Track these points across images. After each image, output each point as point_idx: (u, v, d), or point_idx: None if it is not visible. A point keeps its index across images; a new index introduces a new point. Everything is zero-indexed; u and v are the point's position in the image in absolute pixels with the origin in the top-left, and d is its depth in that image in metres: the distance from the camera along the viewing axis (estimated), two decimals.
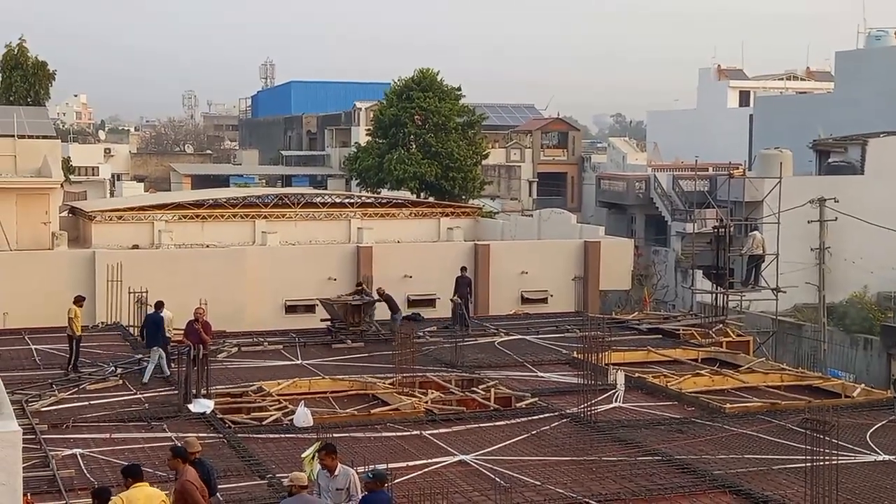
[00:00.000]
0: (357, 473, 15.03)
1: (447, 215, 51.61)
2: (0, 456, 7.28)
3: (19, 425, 20.51)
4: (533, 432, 21.72)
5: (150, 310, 27.81)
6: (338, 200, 52.39)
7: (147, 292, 31.70)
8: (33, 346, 30.13)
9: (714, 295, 36.80)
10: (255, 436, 21.11)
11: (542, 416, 22.99)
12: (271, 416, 22.51)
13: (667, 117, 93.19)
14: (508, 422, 22.53)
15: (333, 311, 32.78)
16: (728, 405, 23.92)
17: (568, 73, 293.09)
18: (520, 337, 32.86)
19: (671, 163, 76.33)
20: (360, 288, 33.54)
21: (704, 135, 79.62)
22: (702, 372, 27.59)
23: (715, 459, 19.92)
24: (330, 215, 49.42)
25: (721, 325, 33.80)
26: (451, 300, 33.76)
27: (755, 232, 39.84)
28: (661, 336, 33.27)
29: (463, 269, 35.65)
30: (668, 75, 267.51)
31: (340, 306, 32.52)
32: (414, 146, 64.29)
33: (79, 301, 27.59)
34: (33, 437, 20.33)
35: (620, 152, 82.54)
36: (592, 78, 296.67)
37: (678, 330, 33.63)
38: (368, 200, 53.42)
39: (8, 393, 23.07)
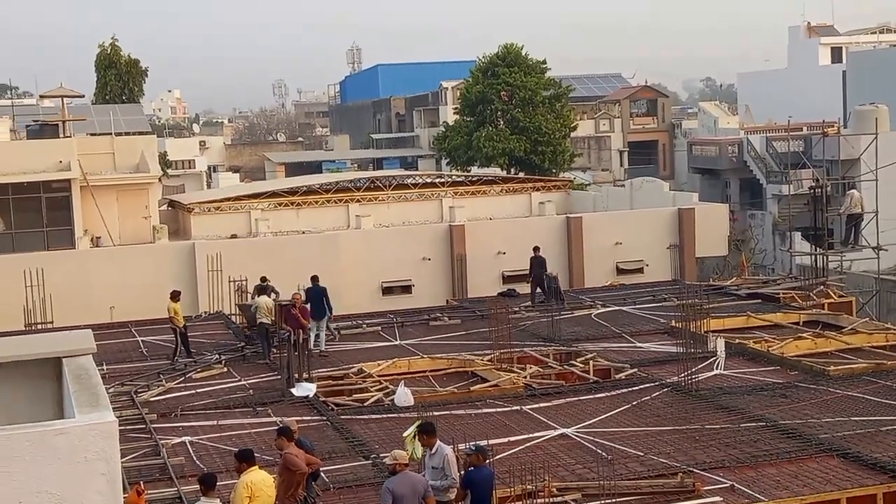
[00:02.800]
0: (456, 451, 15.18)
1: (538, 190, 51.55)
2: (99, 447, 7.54)
3: (130, 415, 21.30)
4: (633, 403, 21.67)
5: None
6: (428, 180, 52.64)
7: (246, 280, 32.28)
8: (140, 338, 30.89)
9: (813, 256, 36.19)
10: (357, 417, 21.41)
11: (642, 386, 22.92)
12: (372, 396, 22.81)
13: (758, 78, 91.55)
14: (608, 393, 22.51)
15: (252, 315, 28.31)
16: (832, 368, 23.57)
17: (656, 47, 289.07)
18: (616, 308, 32.73)
19: (764, 125, 75.07)
20: (264, 285, 29.35)
21: (797, 94, 78.10)
22: (804, 335, 27.22)
23: (820, 423, 19.66)
24: (421, 196, 49.73)
25: (822, 287, 33.23)
26: (546, 274, 33.68)
27: (853, 190, 38.94)
28: (760, 301, 32.84)
29: (536, 248, 34.37)
30: (757, 39, 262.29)
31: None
32: (502, 122, 64.25)
33: (175, 296, 28.11)
34: (143, 426, 20.94)
35: (711, 117, 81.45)
36: (680, 49, 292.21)
37: (778, 294, 33.15)
38: (459, 179, 53.59)
39: (117, 384, 23.95)
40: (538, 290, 33.54)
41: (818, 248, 36.28)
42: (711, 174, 69.53)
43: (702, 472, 17.07)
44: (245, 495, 13.48)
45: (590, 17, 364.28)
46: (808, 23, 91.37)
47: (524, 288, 35.69)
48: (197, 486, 14.41)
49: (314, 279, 28.95)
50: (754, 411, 20.54)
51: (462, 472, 14.74)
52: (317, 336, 27.75)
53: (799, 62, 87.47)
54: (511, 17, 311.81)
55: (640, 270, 42.25)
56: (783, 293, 33.12)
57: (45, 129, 48.12)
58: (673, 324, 28.28)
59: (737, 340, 26.57)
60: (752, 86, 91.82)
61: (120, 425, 19.22)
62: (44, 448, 7.52)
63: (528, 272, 34.40)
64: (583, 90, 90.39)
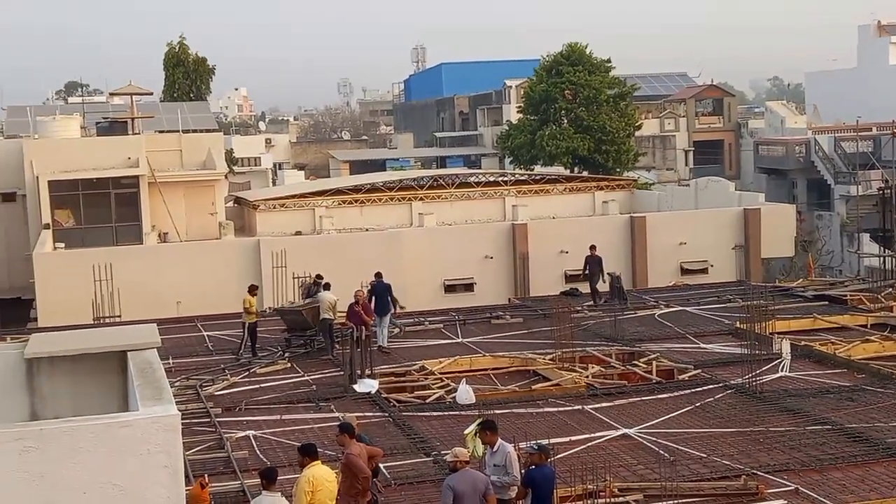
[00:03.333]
0: (517, 449, 15.16)
1: (602, 189, 51.32)
2: (161, 439, 7.64)
3: (195, 409, 21.55)
4: (697, 404, 21.48)
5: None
6: (492, 179, 52.63)
7: (310, 277, 32.47)
8: (205, 333, 31.23)
9: (882, 258, 35.61)
10: (418, 414, 21.46)
11: (705, 387, 22.71)
12: (434, 394, 22.85)
13: (826, 78, 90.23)
14: (671, 394, 22.34)
15: (294, 318, 28.45)
16: None
17: (723, 45, 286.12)
18: (680, 308, 32.47)
19: (832, 124, 74.02)
20: (317, 280, 29.57)
21: (866, 94, 76.83)
22: (871, 338, 26.80)
23: (888, 427, 19.34)
24: (485, 194, 49.72)
25: (890, 290, 32.72)
26: (609, 274, 33.51)
27: None
28: (827, 303, 32.40)
29: (592, 247, 33.88)
30: (826, 39, 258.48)
31: (308, 311, 28.00)
32: (565, 121, 64.02)
33: (252, 290, 28.36)
34: (208, 420, 21.17)
35: (778, 116, 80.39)
36: (748, 48, 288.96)
37: (845, 296, 32.69)
38: (522, 177, 53.49)
39: (183, 378, 24.23)
40: (597, 288, 33.41)
41: (887, 250, 35.69)
42: (778, 174, 68.71)
43: (765, 475, 16.89)
44: (307, 490, 13.57)
45: (655, 16, 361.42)
46: (879, 21, 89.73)
47: (587, 287, 35.46)
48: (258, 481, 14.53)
49: (378, 275, 29.15)
50: (820, 414, 20.28)
51: (523, 471, 14.72)
52: (381, 330, 28.07)
53: (869, 61, 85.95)
54: (576, 17, 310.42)
55: (705, 271, 41.90)
56: (850, 295, 32.65)
57: (114, 127, 48.82)
58: (738, 325, 28.00)
59: (803, 342, 26.24)
60: (821, 85, 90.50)
61: (185, 419, 19.53)
62: (108, 440, 7.64)
63: (583, 271, 34.04)
64: (648, 89, 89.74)
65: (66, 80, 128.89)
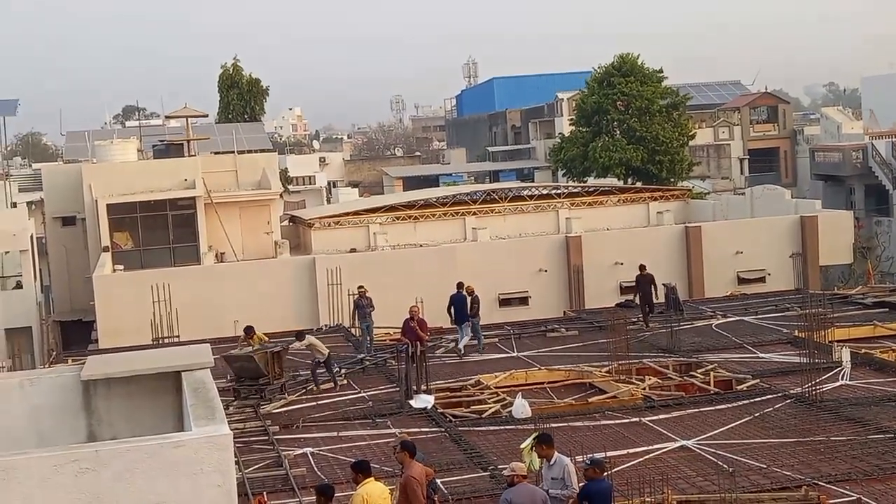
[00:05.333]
0: (574, 463, 15.10)
1: (656, 199, 51.03)
2: (214, 459, 7.71)
3: (253, 427, 21.71)
4: (756, 414, 21.27)
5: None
6: (545, 192, 52.52)
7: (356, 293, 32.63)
8: None
9: None
10: (475, 428, 21.44)
11: (764, 397, 22.47)
12: (490, 408, 22.82)
13: (883, 82, 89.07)
14: (730, 405, 22.12)
15: (243, 365, 24.94)
16: None
17: (778, 50, 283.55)
18: (737, 318, 32.18)
19: (889, 129, 73.00)
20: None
21: None
22: None
23: None
24: (538, 207, 49.64)
25: None
26: (664, 284, 33.23)
27: None
28: (887, 309, 31.94)
29: (642, 267, 32.47)
30: (884, 44, 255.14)
31: (260, 357, 24.93)
32: (618, 132, 63.74)
33: (249, 332, 26.66)
34: (266, 437, 21.31)
35: (834, 122, 79.44)
36: (803, 52, 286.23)
37: None
38: (575, 190, 53.35)
39: (243, 398, 24.39)
40: (648, 310, 31.95)
41: None
42: (835, 181, 67.88)
43: (827, 486, 16.68)
44: None
45: (708, 24, 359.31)
46: None
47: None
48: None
49: (459, 286, 30.09)
50: (882, 423, 19.98)
51: (580, 485, 14.65)
52: (462, 341, 29.27)
53: None
54: (628, 27, 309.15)
55: (762, 280, 41.50)
56: None
57: (170, 149, 49.45)
58: (796, 334, 27.68)
59: (863, 350, 25.89)
60: (877, 90, 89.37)
61: (243, 437, 19.64)
62: (161, 460, 7.74)
63: (635, 292, 32.81)
64: (701, 98, 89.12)
65: (124, 104, 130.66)
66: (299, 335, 26.36)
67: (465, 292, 29.73)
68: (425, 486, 14.69)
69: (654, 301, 31.99)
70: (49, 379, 10.71)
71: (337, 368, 27.73)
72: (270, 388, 24.66)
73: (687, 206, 51.75)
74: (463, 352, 29.07)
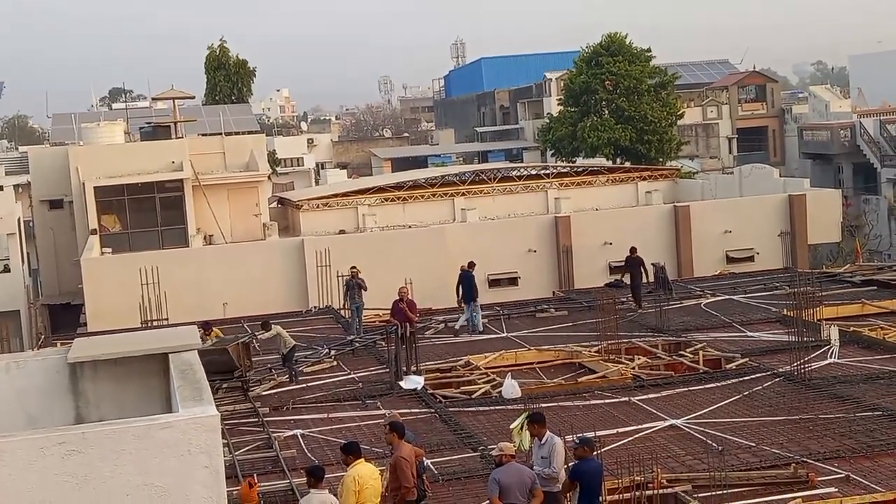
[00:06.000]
0: (564, 442, 15.10)
1: (644, 179, 51.02)
2: (202, 440, 7.69)
3: (243, 409, 21.68)
4: (745, 393, 21.33)
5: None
6: (534, 172, 52.44)
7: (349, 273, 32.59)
8: (252, 334, 31.30)
9: None
10: (465, 409, 21.47)
11: (753, 376, 22.54)
12: (480, 389, 22.86)
13: (871, 61, 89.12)
14: (719, 384, 22.19)
15: (215, 360, 22.74)
16: None
17: (765, 32, 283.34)
18: (726, 297, 32.24)
19: (877, 107, 73.07)
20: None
21: None
22: None
23: None
24: (527, 188, 49.58)
25: None
26: (653, 264, 33.22)
27: None
28: (876, 287, 32.05)
29: (632, 249, 32.08)
30: (870, 20, 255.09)
31: (233, 349, 23.67)
32: (606, 112, 63.70)
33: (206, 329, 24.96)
34: (256, 419, 21.30)
35: (822, 101, 79.52)
36: (790, 33, 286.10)
37: (894, 280, 32.30)
38: (564, 170, 53.28)
39: (231, 379, 24.33)
40: (639, 293, 31.81)
41: None
42: (823, 159, 67.98)
43: (816, 463, 16.74)
44: (353, 489, 13.60)
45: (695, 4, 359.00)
46: None
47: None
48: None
49: (470, 265, 30.57)
50: (870, 400, 20.07)
51: (569, 465, 14.66)
52: (473, 317, 29.64)
53: None
54: (614, 9, 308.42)
55: (751, 259, 41.54)
56: None
57: (157, 131, 49.22)
58: (785, 312, 27.75)
59: (851, 328, 25.99)
60: (865, 68, 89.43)
61: (233, 419, 19.60)
62: (149, 441, 7.71)
63: (622, 272, 32.98)
64: (689, 77, 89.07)
65: (110, 87, 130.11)
66: (265, 325, 25.50)
67: (473, 272, 30.25)
68: (415, 466, 14.71)
69: (643, 282, 31.86)
70: (36, 361, 10.67)
71: (326, 350, 27.76)
72: (245, 380, 23.56)
73: (675, 186, 51.74)
74: (480, 328, 29.53)
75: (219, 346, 23.75)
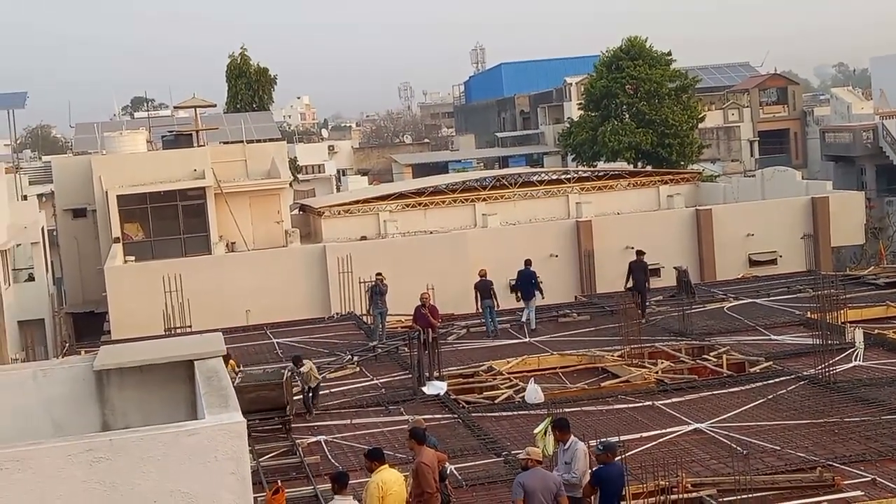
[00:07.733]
0: (587, 446, 15.07)
1: (666, 183, 50.90)
2: (228, 446, 7.73)
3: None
4: (769, 397, 21.24)
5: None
6: (554, 177, 52.44)
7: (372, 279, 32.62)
8: (275, 340, 31.45)
9: None
10: (488, 414, 21.44)
11: (777, 379, 22.44)
12: (503, 394, 22.82)
13: (893, 62, 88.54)
14: (743, 387, 22.10)
15: (263, 396, 20.63)
16: None
17: (788, 34, 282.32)
18: (750, 300, 32.12)
19: None
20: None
21: None
22: None
23: None
24: (548, 192, 49.56)
25: None
26: (676, 267, 33.12)
27: None
28: None
29: (639, 252, 30.80)
30: (892, 20, 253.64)
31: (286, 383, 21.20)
32: (627, 116, 63.58)
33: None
34: (280, 426, 21.28)
35: (844, 103, 79.13)
36: (813, 36, 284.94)
37: None
38: (585, 174, 53.20)
39: (273, 418, 24.24)
40: (646, 298, 30.63)
41: None
42: (846, 161, 67.69)
43: (841, 466, 16.64)
44: (377, 495, 13.60)
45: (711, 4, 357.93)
46: None
47: (653, 282, 35.04)
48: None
49: (527, 262, 30.72)
50: (895, 403, 19.93)
51: (591, 470, 14.63)
52: (528, 315, 30.12)
53: None
54: (636, 15, 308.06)
55: (774, 262, 41.41)
56: None
57: (179, 139, 49.48)
58: (809, 315, 27.62)
59: (876, 331, 25.83)
60: (887, 70, 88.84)
61: (258, 426, 19.57)
62: (176, 448, 7.75)
63: (627, 277, 30.67)
64: (710, 80, 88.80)
65: (132, 95, 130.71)
66: (296, 360, 23.54)
67: (532, 269, 30.64)
68: (437, 471, 14.70)
69: (647, 290, 30.78)
70: (62, 369, 10.73)
71: (349, 356, 27.78)
72: (288, 419, 20.79)
73: (697, 189, 51.62)
74: (533, 326, 30.04)
75: (263, 379, 21.23)
